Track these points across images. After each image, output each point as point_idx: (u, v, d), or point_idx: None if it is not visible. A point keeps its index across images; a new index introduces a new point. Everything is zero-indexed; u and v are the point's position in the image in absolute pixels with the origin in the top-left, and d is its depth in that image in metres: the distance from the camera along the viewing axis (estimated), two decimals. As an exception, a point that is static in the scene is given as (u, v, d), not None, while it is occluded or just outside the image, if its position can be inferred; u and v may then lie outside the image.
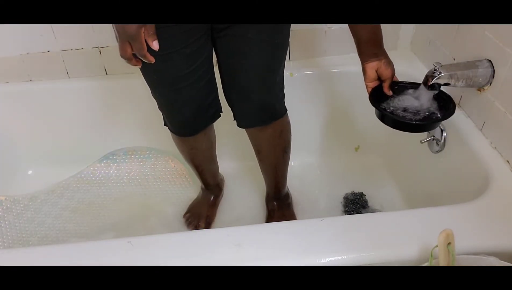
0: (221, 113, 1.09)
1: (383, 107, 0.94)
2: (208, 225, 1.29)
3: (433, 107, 0.94)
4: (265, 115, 1.01)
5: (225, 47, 0.93)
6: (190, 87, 0.95)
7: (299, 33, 1.35)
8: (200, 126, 1.06)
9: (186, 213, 1.34)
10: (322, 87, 1.38)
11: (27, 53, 1.35)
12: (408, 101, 0.96)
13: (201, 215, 1.30)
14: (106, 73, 1.41)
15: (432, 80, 0.95)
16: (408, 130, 0.93)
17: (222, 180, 1.40)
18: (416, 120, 0.90)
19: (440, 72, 0.95)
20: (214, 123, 1.11)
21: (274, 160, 1.14)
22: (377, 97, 0.96)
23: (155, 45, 0.77)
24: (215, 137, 1.19)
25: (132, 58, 0.79)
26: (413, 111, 0.93)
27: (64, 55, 1.36)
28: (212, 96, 1.02)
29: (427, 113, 0.92)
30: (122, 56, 0.79)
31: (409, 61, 1.34)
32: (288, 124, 1.10)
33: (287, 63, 1.37)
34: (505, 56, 0.90)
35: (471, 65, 0.96)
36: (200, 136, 1.09)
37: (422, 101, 0.94)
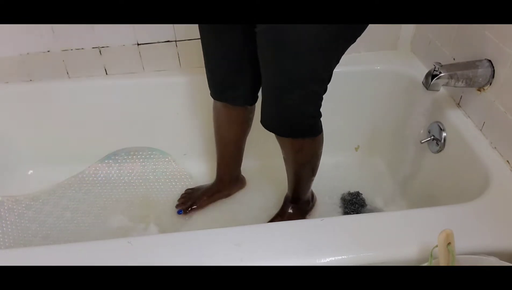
0: (248, 106, 1.14)
1: None
2: (187, 210, 1.32)
3: None
4: (283, 126, 0.97)
5: (261, 49, 0.89)
6: (216, 60, 1.04)
7: (299, 33, 1.35)
8: (221, 97, 1.12)
9: (190, 188, 1.39)
10: (322, 87, 1.38)
11: (27, 53, 1.35)
12: None
13: (193, 198, 1.34)
14: (106, 73, 1.41)
15: (432, 80, 0.95)
16: None
17: (237, 181, 1.38)
18: None
19: (440, 72, 0.95)
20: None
21: (294, 169, 1.12)
22: None
23: None
24: (247, 128, 1.23)
25: None
26: None
27: (64, 55, 1.36)
28: (236, 83, 1.07)
29: None
30: None
31: (409, 61, 1.34)
32: (313, 146, 1.03)
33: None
34: (505, 56, 0.90)
35: (471, 65, 0.96)
36: (233, 112, 1.15)
37: None
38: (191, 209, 1.32)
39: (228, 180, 1.35)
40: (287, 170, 1.16)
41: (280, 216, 1.26)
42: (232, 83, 1.07)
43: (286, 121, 0.95)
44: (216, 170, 1.33)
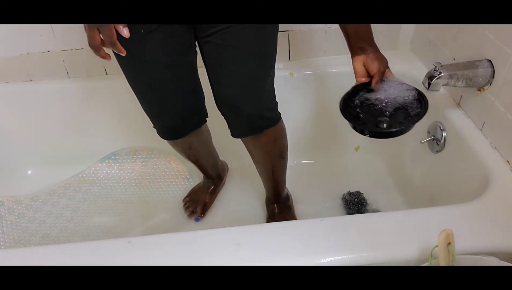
0: (207, 119, 1.11)
1: (356, 109, 0.88)
2: (204, 211, 1.33)
3: (410, 107, 0.86)
4: (256, 124, 1.00)
5: (211, 57, 0.92)
6: (171, 96, 0.97)
7: (299, 33, 1.35)
8: (184, 132, 1.08)
9: (185, 197, 1.38)
10: (322, 87, 1.38)
11: (27, 53, 1.35)
12: (384, 101, 0.88)
13: (199, 201, 1.34)
14: (106, 73, 1.41)
15: (432, 80, 0.95)
16: (378, 137, 0.86)
17: (223, 169, 1.42)
18: (384, 128, 0.83)
19: (440, 72, 0.95)
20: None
21: (270, 165, 1.14)
22: (354, 96, 0.90)
23: (125, 32, 0.71)
24: (209, 134, 1.21)
25: (100, 48, 0.73)
26: (388, 113, 0.86)
27: (64, 55, 1.36)
28: (196, 105, 1.04)
29: (400, 118, 0.85)
30: (90, 45, 0.72)
31: (409, 61, 1.34)
32: (282, 130, 1.08)
33: (287, 63, 1.39)
34: (505, 56, 0.90)
35: (471, 65, 0.96)
36: (190, 137, 1.11)
37: (399, 100, 0.87)
38: (204, 211, 1.34)
39: (217, 174, 1.38)
40: (262, 171, 1.18)
41: (272, 220, 1.26)
42: (192, 107, 1.04)
43: (260, 116, 0.98)
44: (202, 174, 1.35)
